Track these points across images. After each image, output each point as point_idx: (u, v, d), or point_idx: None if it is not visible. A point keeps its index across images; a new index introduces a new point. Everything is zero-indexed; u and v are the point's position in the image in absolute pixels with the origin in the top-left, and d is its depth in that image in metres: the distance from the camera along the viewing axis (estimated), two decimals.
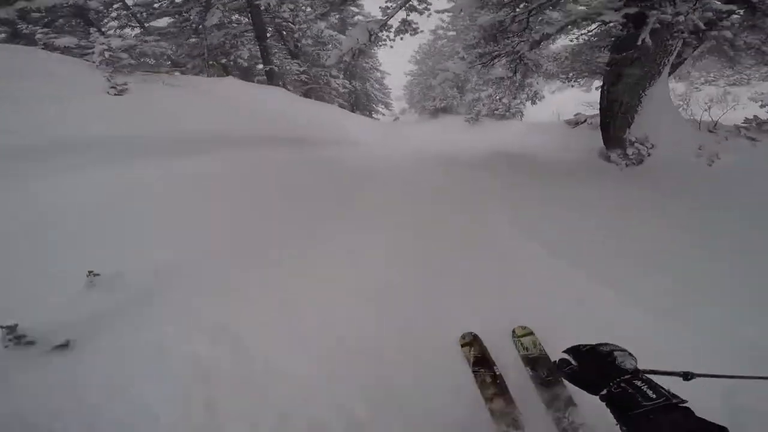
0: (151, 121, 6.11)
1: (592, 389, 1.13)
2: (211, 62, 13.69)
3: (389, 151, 9.63)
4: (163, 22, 14.79)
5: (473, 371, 2.41)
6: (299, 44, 16.57)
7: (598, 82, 9.35)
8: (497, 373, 2.37)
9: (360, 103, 23.34)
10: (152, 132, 5.70)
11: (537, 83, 15.47)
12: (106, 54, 7.18)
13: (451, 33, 25.16)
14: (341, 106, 22.07)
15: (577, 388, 1.19)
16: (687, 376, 1.14)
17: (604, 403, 1.09)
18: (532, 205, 5.03)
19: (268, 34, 16.84)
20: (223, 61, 14.41)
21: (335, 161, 7.58)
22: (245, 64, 14.90)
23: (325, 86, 17.97)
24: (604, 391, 1.09)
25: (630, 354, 1.16)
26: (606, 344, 1.21)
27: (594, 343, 1.24)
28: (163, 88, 7.67)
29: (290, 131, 8.99)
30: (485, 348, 2.54)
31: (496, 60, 7.52)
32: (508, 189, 5.83)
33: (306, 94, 18.61)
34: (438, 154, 9.35)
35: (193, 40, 14.28)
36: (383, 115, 26.13)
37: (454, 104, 23.72)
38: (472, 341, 2.60)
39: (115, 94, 6.38)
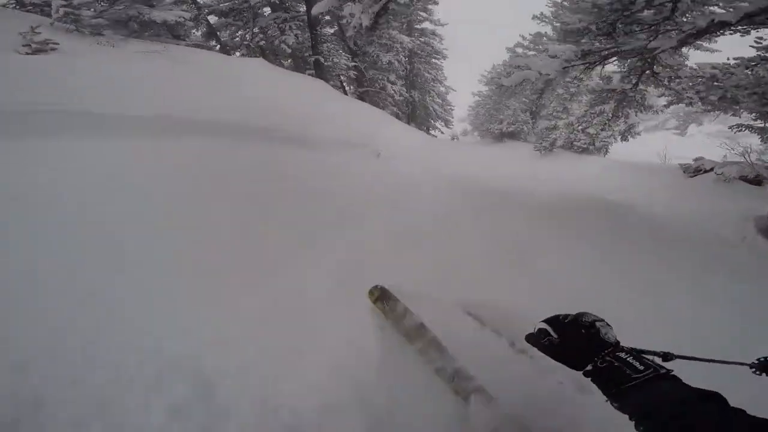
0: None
1: (576, 364, 1.03)
2: (252, 46, 12.14)
3: (422, 172, 7.16)
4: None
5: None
6: (359, 42, 14.73)
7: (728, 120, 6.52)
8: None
9: (417, 115, 21.11)
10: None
11: (637, 114, 12.31)
12: (62, 11, 5.58)
13: (531, 53, 22.37)
14: (396, 115, 20.05)
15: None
16: (667, 357, 1.04)
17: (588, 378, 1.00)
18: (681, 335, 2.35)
19: (328, 27, 15.20)
20: (261, 43, 12.75)
21: (323, 176, 5.02)
22: (288, 50, 13.18)
23: (380, 91, 15.92)
24: (590, 367, 1.00)
25: (608, 324, 1.06)
26: (586, 314, 1.08)
27: (574, 313, 1.09)
28: (112, 53, 5.93)
29: (294, 125, 6.85)
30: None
31: (608, 61, 4.91)
32: (616, 277, 3.17)
33: (361, 97, 16.73)
34: (490, 187, 6.67)
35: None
36: (441, 132, 23.71)
37: (524, 130, 20.87)
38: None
39: (27, 53, 4.70)
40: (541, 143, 14.98)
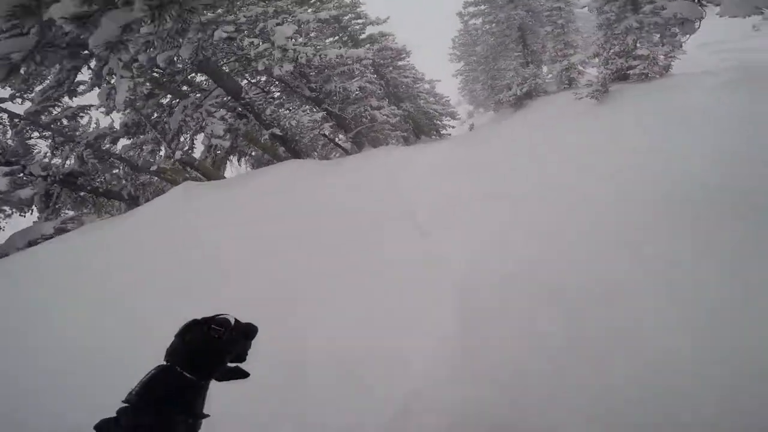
0: None
1: None
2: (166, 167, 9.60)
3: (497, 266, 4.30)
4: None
5: None
6: (314, 85, 12.04)
7: None
8: None
9: (422, 125, 18.11)
10: None
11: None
12: None
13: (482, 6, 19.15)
14: (403, 138, 17.11)
15: None
16: None
17: None
18: None
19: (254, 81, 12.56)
20: (179, 156, 10.06)
21: None
22: (225, 142, 10.35)
23: (372, 123, 13.07)
24: None
25: None
26: None
27: None
28: None
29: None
30: None
31: None
32: None
33: (356, 141, 13.90)
34: None
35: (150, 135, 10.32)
36: (452, 128, 20.60)
37: (538, 83, 17.47)
38: None
39: None
40: (588, 86, 11.51)
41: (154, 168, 10.51)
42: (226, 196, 7.59)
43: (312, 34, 11.85)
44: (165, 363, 0.84)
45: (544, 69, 19.66)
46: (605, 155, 6.62)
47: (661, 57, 10.64)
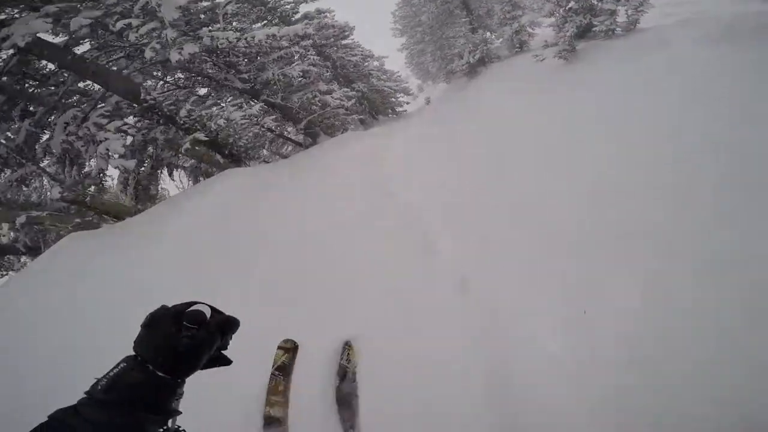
0: None
1: None
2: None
3: None
4: None
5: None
6: (249, 73, 10.31)
7: None
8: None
9: (377, 104, 16.73)
10: None
11: None
12: None
13: None
14: (361, 120, 15.69)
15: None
16: None
17: None
18: None
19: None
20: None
21: None
22: (129, 164, 8.09)
23: (324, 109, 11.57)
24: None
25: None
26: None
27: None
28: None
29: None
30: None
31: None
32: None
33: (309, 132, 12.32)
34: None
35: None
36: (408, 103, 19.37)
37: (490, 49, 16.48)
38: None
39: None
40: (553, 44, 10.52)
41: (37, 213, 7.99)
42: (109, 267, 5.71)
43: (234, 22, 10.03)
44: (135, 356, 0.76)
45: (492, 35, 18.70)
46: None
47: (630, 11, 9.80)
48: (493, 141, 7.15)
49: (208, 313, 0.79)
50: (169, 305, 0.81)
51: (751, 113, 4.34)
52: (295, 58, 10.97)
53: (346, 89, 12.36)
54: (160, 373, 0.73)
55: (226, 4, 9.10)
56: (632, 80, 7.26)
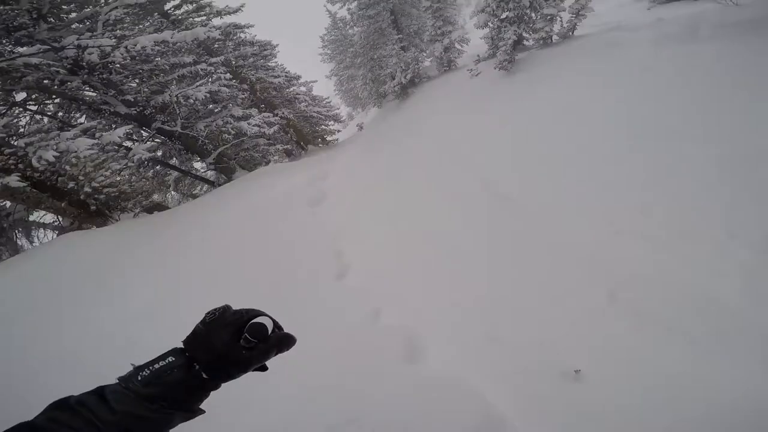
0: None
1: None
2: None
3: None
4: None
5: None
6: (137, 95, 8.19)
7: None
8: None
9: (304, 133, 15.07)
10: None
11: None
12: None
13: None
14: (286, 151, 13.91)
15: None
16: None
17: None
18: None
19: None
20: None
21: None
22: None
23: (242, 141, 9.67)
24: None
25: None
26: None
27: None
28: None
29: None
30: None
31: None
32: None
33: (221, 168, 10.23)
34: None
35: None
36: (339, 131, 17.93)
37: (420, 67, 15.62)
38: None
39: None
40: (497, 56, 9.57)
41: None
42: None
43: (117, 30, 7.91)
44: (183, 350, 0.73)
45: (423, 53, 18.05)
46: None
47: (571, 16, 9.17)
48: (442, 172, 5.84)
49: (270, 327, 0.74)
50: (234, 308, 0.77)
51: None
52: (201, 74, 9.03)
53: (267, 114, 10.55)
54: (204, 375, 0.70)
55: (110, 10, 7.05)
56: (595, 80, 6.43)
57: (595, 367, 2.51)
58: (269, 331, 0.73)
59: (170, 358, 0.70)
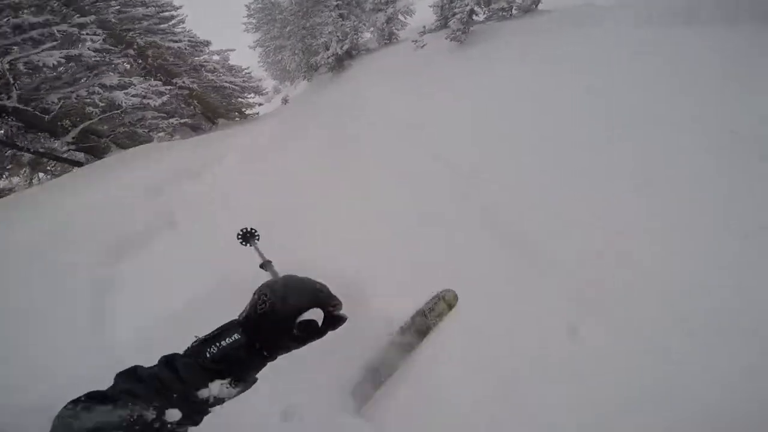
0: None
1: None
2: None
3: None
4: None
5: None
6: None
7: None
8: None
9: (213, 106, 12.47)
10: None
11: None
12: None
13: None
14: (190, 126, 11.30)
15: None
16: None
17: None
18: None
19: None
20: None
21: None
22: None
23: (111, 114, 7.12)
24: None
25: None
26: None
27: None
28: None
29: None
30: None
31: None
32: None
33: (86, 148, 7.51)
34: None
35: None
36: (260, 105, 15.47)
37: (360, 38, 13.60)
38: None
39: None
40: (451, 26, 7.92)
41: None
42: None
43: None
44: (241, 326, 0.73)
45: (363, 25, 15.91)
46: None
47: None
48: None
49: (320, 319, 0.73)
50: (305, 285, 0.76)
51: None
52: (53, 34, 6.38)
53: (155, 83, 7.94)
54: (265, 353, 0.73)
55: None
56: (563, 65, 5.14)
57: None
58: (319, 324, 0.72)
59: (235, 336, 0.71)
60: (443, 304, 2.71)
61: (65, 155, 7.95)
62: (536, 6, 8.09)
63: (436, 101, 5.59)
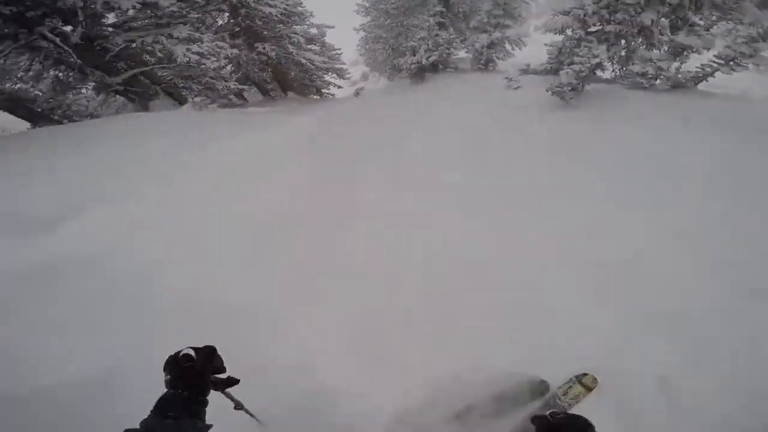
0: None
1: None
2: None
3: None
4: None
5: None
6: None
7: None
8: None
9: (288, 79, 12.25)
10: None
11: None
12: None
13: None
14: (267, 92, 11.18)
15: None
16: None
17: None
18: None
19: None
20: None
21: None
22: None
23: (166, 66, 6.93)
24: None
25: None
26: (579, 417, 0.98)
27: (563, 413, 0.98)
28: None
29: None
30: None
31: None
32: None
33: (131, 92, 7.39)
34: None
35: None
36: (339, 87, 15.14)
37: (452, 54, 12.71)
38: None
39: None
40: (561, 77, 6.74)
41: None
42: None
43: None
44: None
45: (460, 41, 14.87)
46: None
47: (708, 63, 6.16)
48: None
49: (192, 351, 1.13)
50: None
51: None
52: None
53: (222, 44, 7.65)
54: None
55: None
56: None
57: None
58: (193, 354, 1.11)
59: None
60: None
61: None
62: (696, 84, 6.17)
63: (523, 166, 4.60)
